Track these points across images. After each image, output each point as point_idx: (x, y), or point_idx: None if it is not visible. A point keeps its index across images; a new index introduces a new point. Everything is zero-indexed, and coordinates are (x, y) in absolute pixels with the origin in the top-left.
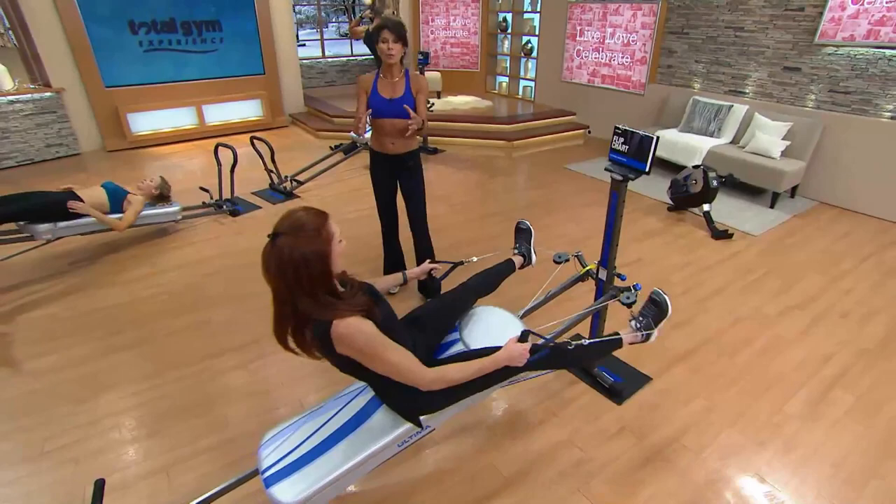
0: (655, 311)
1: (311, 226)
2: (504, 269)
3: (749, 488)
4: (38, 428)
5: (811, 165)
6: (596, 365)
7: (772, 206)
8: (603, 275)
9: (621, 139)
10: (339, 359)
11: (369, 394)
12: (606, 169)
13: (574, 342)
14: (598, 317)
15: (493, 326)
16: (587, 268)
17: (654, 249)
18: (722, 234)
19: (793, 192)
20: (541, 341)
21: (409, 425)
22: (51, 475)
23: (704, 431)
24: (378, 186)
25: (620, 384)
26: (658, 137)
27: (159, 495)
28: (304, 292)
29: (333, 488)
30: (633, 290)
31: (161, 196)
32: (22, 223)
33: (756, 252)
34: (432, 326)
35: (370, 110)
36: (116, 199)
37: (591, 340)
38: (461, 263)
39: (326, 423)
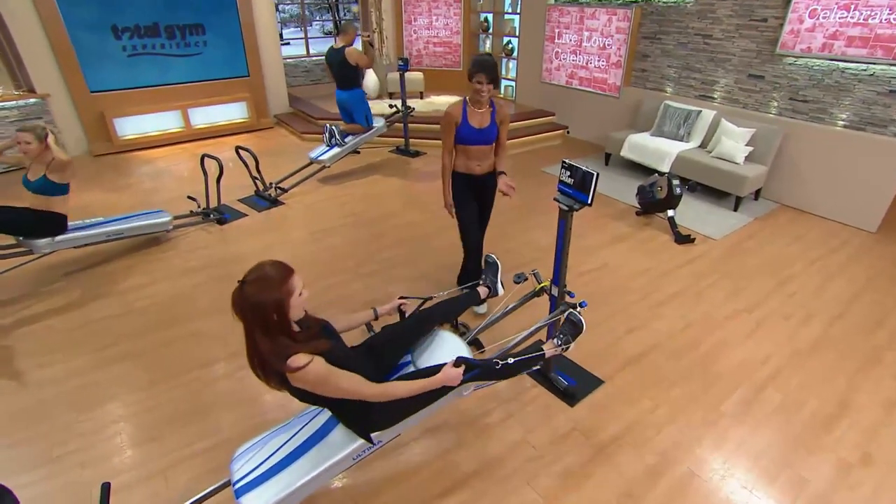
0: (573, 329)
1: (275, 280)
2: (469, 300)
3: (681, 480)
4: (46, 435)
5: (773, 170)
6: (553, 369)
7: (735, 209)
8: (555, 292)
9: (568, 172)
10: (294, 390)
11: (328, 413)
12: (555, 199)
13: (501, 361)
14: (552, 329)
15: (442, 351)
16: (541, 285)
17: (619, 255)
18: (685, 239)
19: (756, 194)
20: (473, 362)
21: (362, 441)
22: (61, 479)
23: (646, 429)
24: (464, 206)
25: (574, 387)
26: (598, 175)
27: (159, 496)
28: (263, 333)
29: (296, 496)
30: (579, 309)
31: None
32: (20, 238)
33: (714, 256)
34: (390, 350)
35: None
36: (47, 188)
37: (517, 359)
38: (429, 298)
39: (290, 439)
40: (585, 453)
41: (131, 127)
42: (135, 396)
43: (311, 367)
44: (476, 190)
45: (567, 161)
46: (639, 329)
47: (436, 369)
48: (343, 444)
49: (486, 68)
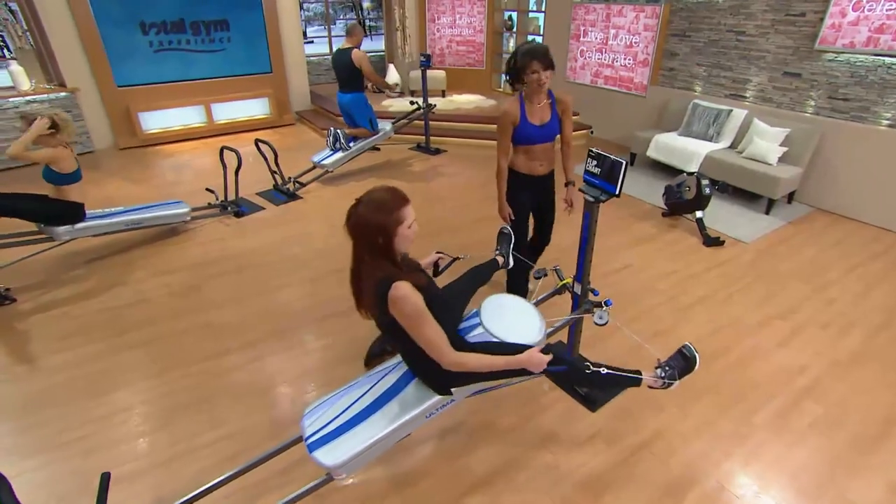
0: (683, 364)
1: (387, 205)
2: (492, 266)
3: (709, 495)
4: (55, 420)
5: (808, 172)
6: None
7: (767, 213)
8: (578, 289)
9: (595, 162)
10: (386, 318)
11: (400, 371)
12: (580, 189)
13: (593, 367)
14: (573, 329)
15: (513, 315)
16: (563, 282)
17: (644, 256)
18: (714, 242)
19: (790, 197)
20: (563, 357)
21: (437, 398)
22: (65, 465)
23: (673, 439)
24: (521, 206)
25: (596, 392)
26: (627, 163)
27: (163, 487)
28: (369, 254)
29: (369, 453)
30: (604, 307)
31: (55, 127)
32: (42, 225)
33: (745, 260)
34: (453, 308)
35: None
36: (53, 178)
37: (610, 371)
38: (458, 258)
39: (362, 396)
40: (607, 462)
41: (155, 121)
42: (145, 384)
43: (413, 297)
44: (536, 191)
45: (594, 150)
46: (665, 333)
47: (520, 349)
48: (417, 399)
49: (538, 55)
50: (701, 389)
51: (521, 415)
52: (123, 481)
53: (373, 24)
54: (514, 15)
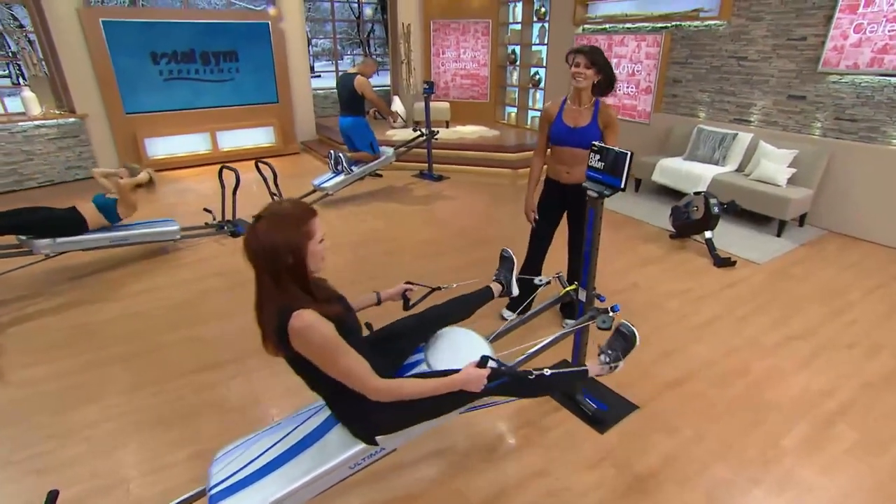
0: (624, 344)
1: (293, 218)
2: (482, 296)
3: None
4: (10, 437)
5: (819, 193)
6: (580, 390)
7: (778, 235)
8: (583, 296)
9: (598, 156)
10: (293, 357)
11: (327, 412)
12: (584, 186)
13: (536, 371)
14: (578, 339)
15: (460, 349)
16: (567, 289)
17: (651, 276)
18: (724, 262)
19: (801, 220)
20: (501, 367)
21: (363, 446)
22: (12, 486)
23: (690, 464)
24: (543, 213)
25: (604, 412)
26: (632, 154)
27: None
28: (274, 280)
29: None
30: (610, 314)
31: (146, 183)
32: (23, 238)
33: (758, 281)
34: (397, 345)
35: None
36: (108, 210)
37: (554, 371)
38: (438, 289)
39: (281, 440)
40: (618, 488)
41: (161, 147)
42: (115, 400)
43: (319, 326)
44: (562, 200)
45: (597, 144)
46: (676, 352)
47: (454, 371)
48: (340, 447)
49: (583, 51)
50: (717, 411)
51: (520, 436)
52: (76, 502)
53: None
54: (518, 48)
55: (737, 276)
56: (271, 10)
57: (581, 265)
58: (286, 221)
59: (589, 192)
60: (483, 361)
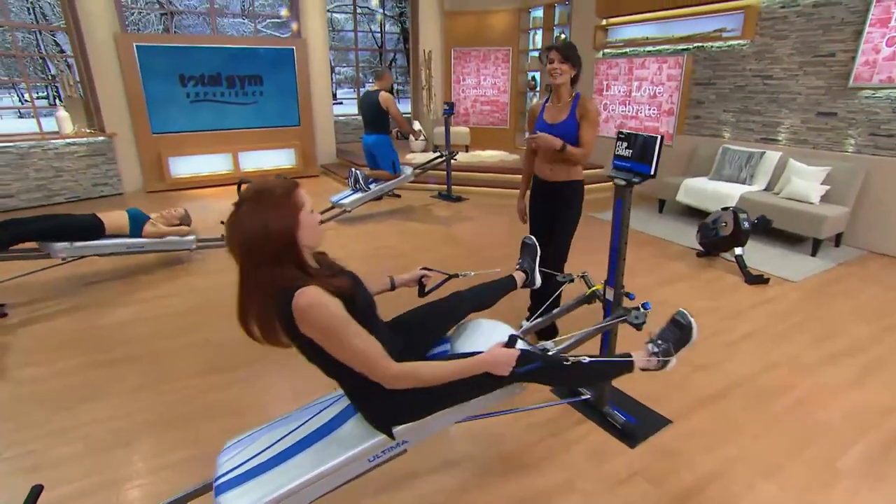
0: (678, 334)
1: (276, 192)
2: (504, 285)
3: None
4: (4, 434)
5: (856, 212)
6: (606, 402)
7: (813, 254)
8: (610, 295)
9: (625, 144)
10: (303, 342)
11: (344, 402)
12: (609, 175)
13: (572, 358)
14: (606, 342)
15: (490, 339)
16: (593, 288)
17: (680, 292)
18: (757, 280)
19: (837, 240)
20: (533, 350)
21: (381, 437)
22: (2, 481)
23: (734, 483)
24: (531, 213)
25: (634, 425)
26: (662, 137)
27: None
28: (267, 263)
29: (289, 502)
30: (641, 310)
31: (181, 226)
32: (42, 242)
33: (795, 298)
34: (420, 333)
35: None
36: (136, 223)
37: (594, 358)
38: (455, 276)
39: (293, 431)
40: None
41: (184, 167)
42: (117, 401)
43: (325, 302)
44: (544, 199)
45: (623, 132)
46: (710, 367)
47: (478, 353)
48: (356, 439)
49: (555, 47)
50: (760, 428)
51: (542, 448)
52: (64, 501)
53: (400, 87)
54: (538, 75)
55: (771, 294)
56: (294, 25)
57: (558, 258)
58: (272, 196)
59: (616, 181)
60: (512, 341)
